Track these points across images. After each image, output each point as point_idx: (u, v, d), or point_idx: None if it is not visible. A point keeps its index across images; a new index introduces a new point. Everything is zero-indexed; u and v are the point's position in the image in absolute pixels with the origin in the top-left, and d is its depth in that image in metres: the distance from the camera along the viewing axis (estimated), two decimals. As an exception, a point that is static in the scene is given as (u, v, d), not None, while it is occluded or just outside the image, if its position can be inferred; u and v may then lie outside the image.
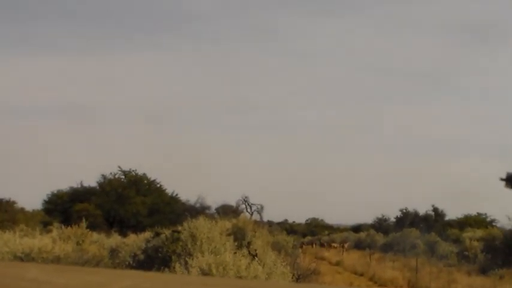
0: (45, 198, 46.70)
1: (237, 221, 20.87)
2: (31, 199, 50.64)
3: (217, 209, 47.54)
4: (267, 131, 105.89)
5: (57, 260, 16.51)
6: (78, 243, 20.46)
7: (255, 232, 20.62)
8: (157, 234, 20.59)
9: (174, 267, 15.44)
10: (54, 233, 21.85)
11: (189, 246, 17.20)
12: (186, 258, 15.38)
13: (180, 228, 18.76)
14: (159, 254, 18.56)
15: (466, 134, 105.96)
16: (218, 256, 15.02)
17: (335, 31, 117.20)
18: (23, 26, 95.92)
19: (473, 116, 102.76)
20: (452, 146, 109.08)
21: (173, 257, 16.92)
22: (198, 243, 17.13)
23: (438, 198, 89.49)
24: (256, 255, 18.47)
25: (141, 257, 20.65)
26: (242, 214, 23.35)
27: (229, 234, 19.15)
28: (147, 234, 24.00)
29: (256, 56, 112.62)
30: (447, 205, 70.93)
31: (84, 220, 24.41)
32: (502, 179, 2.00)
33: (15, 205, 45.77)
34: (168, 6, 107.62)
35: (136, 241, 24.21)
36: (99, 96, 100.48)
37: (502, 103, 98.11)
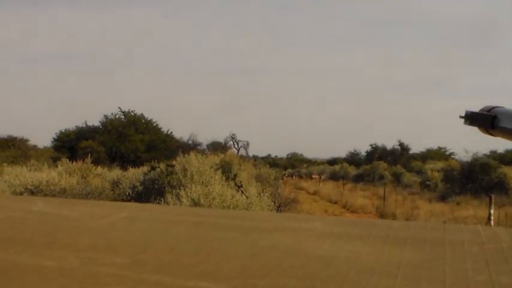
0: (54, 136, 46.83)
1: (224, 156, 20.85)
2: (42, 137, 50.55)
3: (207, 146, 47.98)
4: (255, 76, 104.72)
5: (63, 191, 16.52)
6: (83, 177, 20.39)
7: (241, 166, 20.62)
8: (153, 168, 20.64)
9: (167, 198, 15.49)
10: (61, 167, 21.76)
11: (182, 178, 17.19)
12: (178, 190, 15.44)
13: (174, 162, 18.72)
14: (155, 186, 18.68)
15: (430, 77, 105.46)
16: (207, 187, 15.02)
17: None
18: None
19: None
20: (419, 87, 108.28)
21: (167, 188, 16.93)
22: (189, 176, 17.12)
23: (404, 134, 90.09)
24: (241, 186, 18.54)
25: (140, 188, 20.84)
26: (230, 150, 23.38)
27: (217, 168, 19.16)
28: (145, 168, 24.19)
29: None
30: (412, 140, 71.03)
31: (89, 156, 24.35)
32: (461, 117, 1.95)
33: (27, 142, 46.05)
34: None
35: (135, 174, 24.50)
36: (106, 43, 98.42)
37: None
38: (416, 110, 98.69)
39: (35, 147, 45.43)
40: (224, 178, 18.69)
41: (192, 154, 18.64)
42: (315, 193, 42.32)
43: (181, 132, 49.56)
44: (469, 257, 1.30)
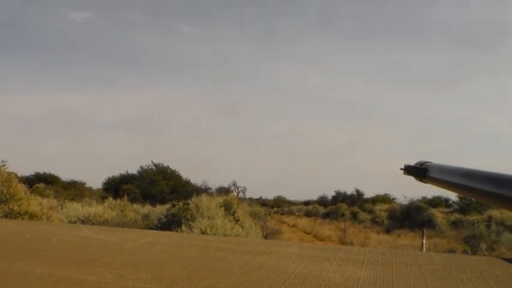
0: (104, 181, 47.32)
1: (227, 197, 20.67)
2: (97, 182, 50.95)
3: (216, 190, 48.15)
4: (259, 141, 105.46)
5: (106, 222, 16.34)
6: (121, 210, 20.17)
7: (238, 205, 20.45)
8: (174, 206, 20.46)
9: (182, 228, 15.29)
10: (106, 204, 21.57)
11: (194, 213, 16.98)
12: (191, 222, 15.27)
13: (189, 201, 18.50)
14: (175, 219, 18.40)
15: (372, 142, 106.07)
16: (212, 221, 14.82)
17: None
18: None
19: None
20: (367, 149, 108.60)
21: (183, 221, 16.70)
22: (200, 211, 16.91)
23: (360, 183, 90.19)
24: (238, 220, 18.36)
25: (164, 220, 20.40)
26: (231, 193, 23.51)
27: (221, 206, 19.00)
28: (168, 205, 24.04)
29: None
30: (365, 188, 71.06)
31: (125, 195, 24.20)
32: (401, 169, 1.94)
33: (85, 185, 46.56)
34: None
35: (161, 210, 24.17)
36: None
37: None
38: (368, 165, 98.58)
39: (89, 189, 45.69)
40: (226, 214, 18.54)
41: (203, 196, 18.45)
42: (294, 226, 41.62)
43: (196, 179, 49.72)
44: (411, 275, 1.23)
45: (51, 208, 19.92)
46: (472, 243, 21.99)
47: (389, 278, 1.30)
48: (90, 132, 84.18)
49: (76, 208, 18.32)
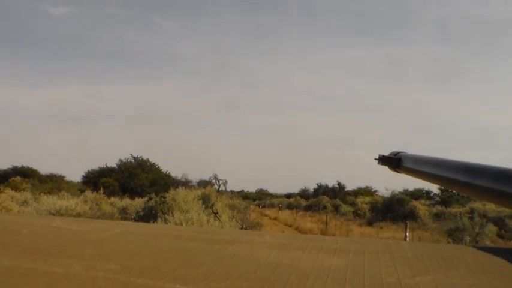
0: (83, 174, 46.70)
1: (205, 190, 19.92)
2: (75, 174, 50.30)
3: (197, 183, 47.79)
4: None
5: (78, 215, 15.55)
6: (97, 204, 19.37)
7: (217, 198, 19.75)
8: (150, 199, 19.88)
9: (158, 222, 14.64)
10: (82, 197, 20.75)
11: (172, 206, 16.27)
12: (166, 216, 14.62)
13: (166, 194, 17.76)
14: (153, 212, 17.87)
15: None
16: (187, 214, 14.16)
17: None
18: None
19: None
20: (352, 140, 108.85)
21: (159, 214, 16.02)
22: (177, 204, 16.20)
23: (341, 175, 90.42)
24: (217, 213, 17.80)
25: (141, 213, 20.14)
26: (210, 186, 22.96)
27: (199, 199, 18.36)
28: (146, 198, 23.51)
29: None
30: (346, 180, 71.24)
31: (102, 188, 23.42)
32: (375, 159, 1.77)
33: (64, 178, 46.70)
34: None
35: (139, 203, 24.04)
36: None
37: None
38: (350, 157, 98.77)
39: (68, 182, 45.25)
40: (204, 207, 17.95)
41: (180, 188, 17.71)
42: (275, 218, 41.27)
43: (176, 171, 49.11)
44: (382, 263, 1.35)
45: (24, 202, 19.25)
46: (455, 236, 21.59)
47: (361, 267, 1.29)
48: (74, 125, 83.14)
49: (50, 202, 17.44)
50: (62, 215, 15.42)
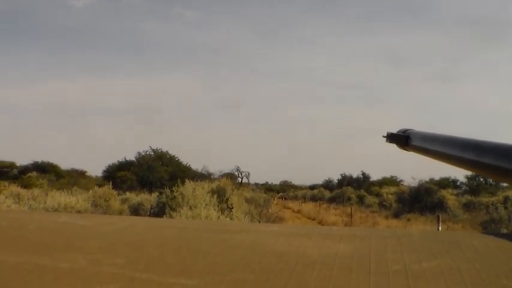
0: (104, 168, 45.92)
1: (219, 183, 18.42)
2: (98, 169, 49.87)
3: (220, 175, 47.20)
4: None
5: (78, 212, 14.28)
6: (105, 200, 18.09)
7: (233, 191, 18.25)
8: (161, 193, 18.63)
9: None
10: (90, 192, 19.48)
11: (180, 202, 14.84)
12: (171, 212, 13.24)
13: (174, 189, 16.36)
14: (163, 208, 16.61)
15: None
16: (195, 210, 12.76)
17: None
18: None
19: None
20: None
21: (167, 210, 14.65)
22: (186, 199, 14.75)
23: (366, 165, 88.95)
24: (232, 208, 16.41)
25: (156, 210, 19.24)
26: (227, 178, 21.63)
27: (214, 193, 16.96)
28: (159, 193, 22.29)
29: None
30: (371, 170, 69.81)
31: (111, 183, 22.21)
32: (383, 136, 1.48)
33: (85, 173, 47.06)
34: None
35: (155, 198, 22.49)
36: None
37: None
38: (373, 148, 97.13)
39: (88, 177, 45.03)
40: (218, 201, 16.57)
41: (188, 182, 16.24)
42: (298, 211, 39.81)
43: (197, 164, 48.18)
44: (388, 249, 1.25)
45: (32, 198, 18.16)
46: (490, 228, 19.68)
47: (367, 253, 1.27)
48: (92, 120, 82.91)
49: (48, 199, 16.16)
50: (59, 212, 14.22)
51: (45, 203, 15.08)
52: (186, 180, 16.31)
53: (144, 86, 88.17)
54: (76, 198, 15.91)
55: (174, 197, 15.77)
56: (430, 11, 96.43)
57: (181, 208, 13.23)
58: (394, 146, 1.57)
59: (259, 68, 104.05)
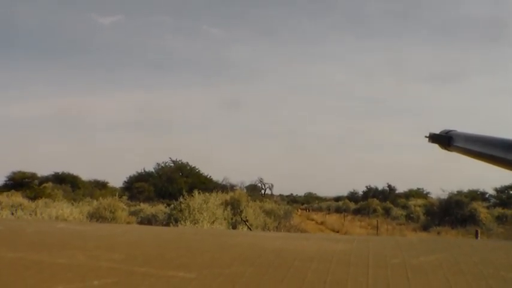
0: (126, 179, 45.36)
1: (233, 194, 16.74)
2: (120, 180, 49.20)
3: (245, 187, 46.12)
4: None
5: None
6: (111, 212, 16.63)
7: (248, 202, 16.54)
8: (169, 205, 17.11)
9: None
10: (94, 203, 18.13)
11: (187, 215, 13.24)
12: (177, 224, 11.77)
13: (181, 200, 14.81)
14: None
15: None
16: (198, 224, 11.14)
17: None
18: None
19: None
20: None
21: (171, 223, 13.07)
22: (191, 212, 13.17)
23: (391, 178, 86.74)
24: (247, 221, 14.72)
25: (164, 222, 17.54)
26: (238, 189, 20.30)
27: (228, 205, 15.34)
28: (170, 205, 20.85)
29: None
30: (398, 182, 67.69)
31: (117, 194, 20.88)
32: (426, 136, 1.32)
33: (108, 184, 46.40)
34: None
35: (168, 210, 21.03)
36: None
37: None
38: (401, 161, 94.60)
39: (108, 188, 43.88)
40: (232, 213, 14.94)
41: (196, 193, 14.64)
42: (322, 223, 38.00)
43: (218, 175, 47.10)
44: (387, 247, 1.34)
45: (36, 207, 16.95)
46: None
47: (365, 250, 1.33)
48: (121, 132, 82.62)
49: (41, 210, 14.77)
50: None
51: (35, 214, 13.68)
52: (196, 192, 14.72)
53: (167, 100, 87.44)
54: (70, 210, 14.44)
55: (181, 209, 14.20)
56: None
57: (185, 222, 11.63)
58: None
59: (286, 83, 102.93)
